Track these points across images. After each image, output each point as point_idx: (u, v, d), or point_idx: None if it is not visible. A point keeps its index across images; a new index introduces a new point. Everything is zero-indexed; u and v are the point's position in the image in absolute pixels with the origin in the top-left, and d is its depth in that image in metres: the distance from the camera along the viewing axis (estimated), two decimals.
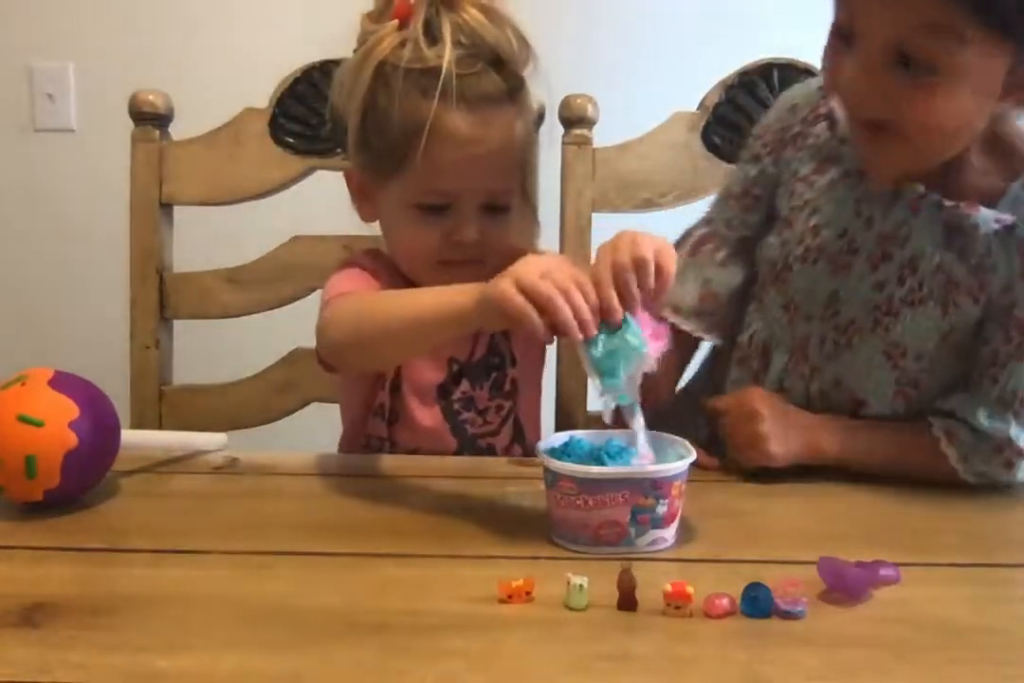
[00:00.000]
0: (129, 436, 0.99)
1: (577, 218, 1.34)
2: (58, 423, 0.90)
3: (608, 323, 0.84)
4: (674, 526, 0.87)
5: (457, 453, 1.13)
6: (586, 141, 1.34)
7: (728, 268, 1.18)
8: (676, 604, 0.75)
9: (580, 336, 0.83)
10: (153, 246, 1.35)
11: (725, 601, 0.75)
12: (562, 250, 1.33)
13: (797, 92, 1.18)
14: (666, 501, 0.85)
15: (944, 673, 0.70)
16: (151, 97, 1.33)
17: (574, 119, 1.33)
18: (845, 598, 0.78)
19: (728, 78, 1.35)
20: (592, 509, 0.84)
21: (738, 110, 1.34)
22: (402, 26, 1.01)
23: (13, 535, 0.89)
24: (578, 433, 0.93)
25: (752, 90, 1.34)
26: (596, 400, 1.34)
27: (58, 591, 0.78)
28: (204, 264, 1.37)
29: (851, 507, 0.98)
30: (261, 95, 1.35)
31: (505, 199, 1.06)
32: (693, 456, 0.87)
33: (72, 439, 0.90)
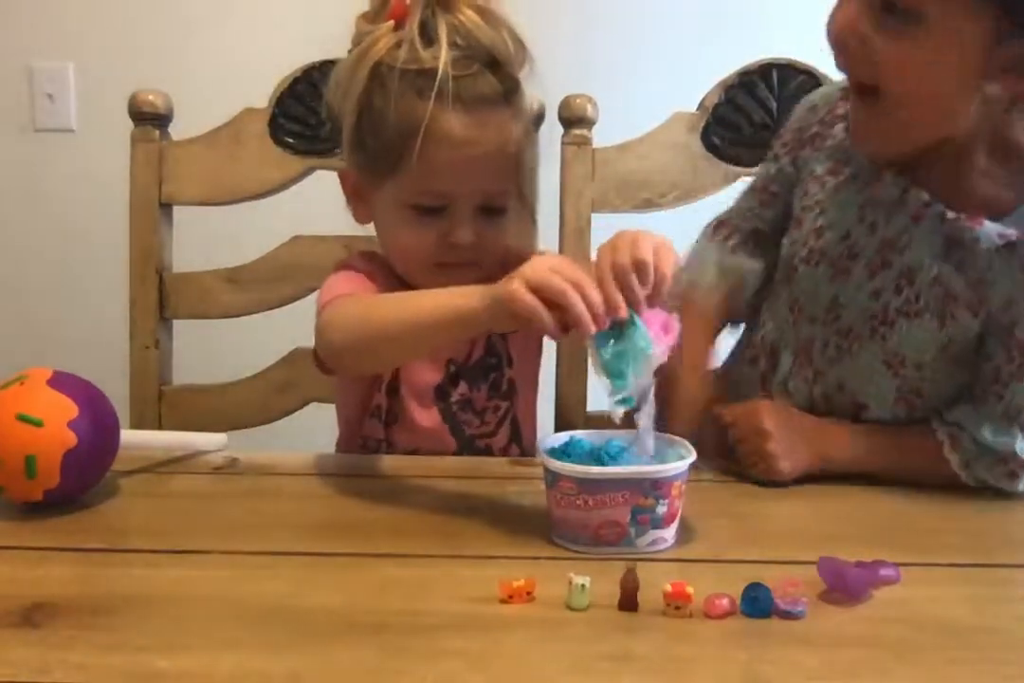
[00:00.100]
0: (129, 436, 0.99)
1: (577, 218, 1.34)
2: (57, 422, 0.90)
3: (616, 322, 0.84)
4: (674, 526, 0.87)
5: (456, 454, 1.13)
6: (586, 141, 1.33)
7: (736, 255, 1.18)
8: (676, 604, 0.75)
9: (593, 329, 0.82)
10: (153, 246, 1.35)
11: (725, 601, 0.75)
12: (562, 250, 1.33)
13: (818, 93, 1.19)
14: (666, 501, 0.85)
15: (944, 673, 0.70)
16: (151, 97, 1.33)
17: (574, 119, 1.33)
18: (845, 598, 0.78)
19: (728, 78, 1.35)
20: (592, 509, 0.84)
21: (738, 110, 1.34)
22: (398, 27, 1.00)
23: (13, 535, 0.89)
24: (578, 433, 0.93)
25: (752, 90, 1.34)
26: (596, 400, 1.35)
27: (58, 591, 0.78)
28: (204, 264, 1.37)
29: (851, 507, 0.98)
30: (261, 95, 1.35)
31: (501, 201, 1.06)
32: (693, 456, 0.87)
33: (71, 438, 0.90)
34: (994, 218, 1.00)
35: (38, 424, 0.89)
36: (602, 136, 1.34)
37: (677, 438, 0.91)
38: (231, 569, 0.83)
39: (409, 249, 1.06)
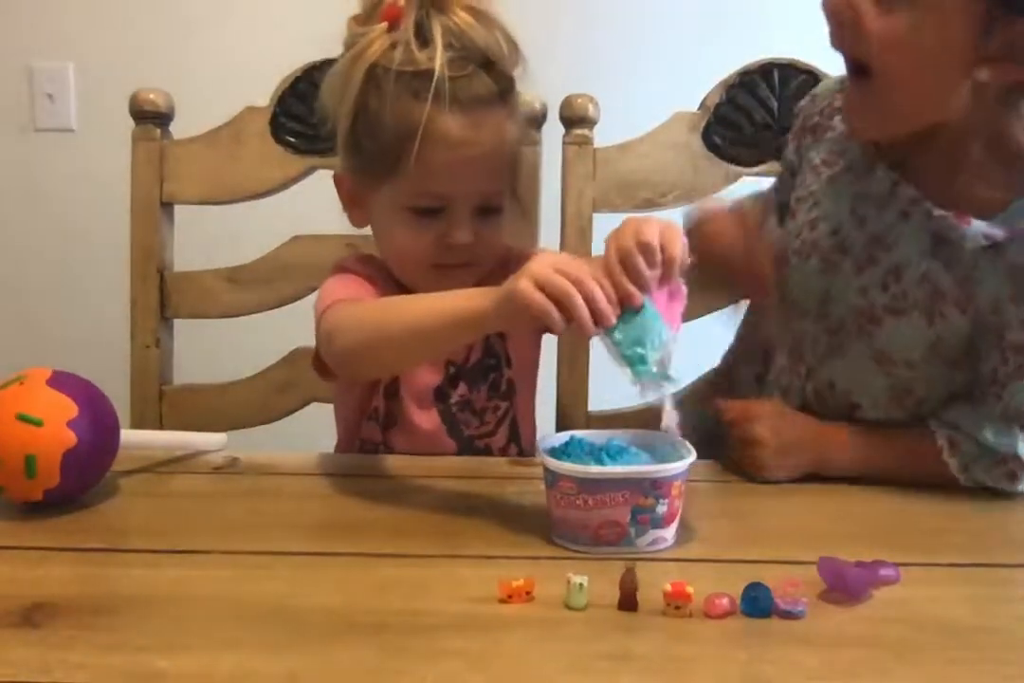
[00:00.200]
0: (129, 436, 0.99)
1: (577, 218, 1.34)
2: (57, 422, 0.90)
3: (628, 309, 0.84)
4: (674, 526, 0.87)
5: (455, 455, 1.13)
6: (586, 141, 1.33)
7: (768, 221, 1.18)
8: (676, 604, 0.75)
9: (591, 329, 0.82)
10: (153, 245, 1.35)
11: (725, 601, 0.75)
12: (562, 250, 1.33)
13: (820, 85, 1.20)
14: (666, 501, 0.85)
15: (944, 673, 0.70)
16: (152, 96, 1.33)
17: (575, 119, 1.33)
18: (845, 598, 0.78)
19: (728, 78, 1.35)
20: (592, 509, 0.84)
21: (739, 110, 1.34)
22: (391, 29, 1.00)
23: (13, 535, 0.89)
24: (578, 433, 0.93)
25: (752, 90, 1.34)
26: (596, 400, 1.35)
27: (58, 591, 0.78)
28: (204, 264, 1.37)
29: (851, 507, 0.98)
30: (261, 94, 1.35)
31: (497, 201, 1.06)
32: (693, 456, 0.87)
33: (71, 438, 0.90)
34: (982, 217, 0.99)
35: (38, 424, 0.89)
36: (603, 136, 1.34)
37: (677, 438, 0.91)
38: (231, 569, 0.83)
39: (407, 251, 1.06)
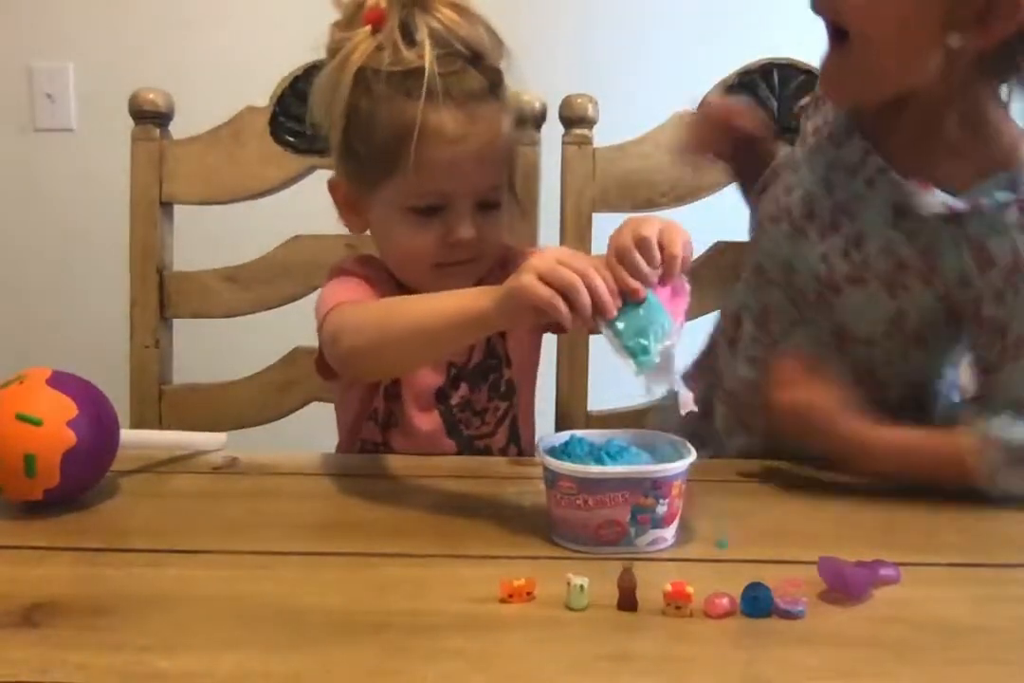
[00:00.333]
0: (129, 435, 0.99)
1: (577, 218, 1.34)
2: (56, 422, 0.90)
3: (630, 301, 0.84)
4: (674, 526, 0.87)
5: (455, 455, 1.13)
6: (586, 141, 1.33)
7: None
8: (676, 604, 0.75)
9: (590, 319, 0.83)
10: (153, 245, 1.35)
11: (725, 601, 0.75)
12: None
13: None
14: (666, 501, 0.85)
15: (944, 673, 0.70)
16: (152, 95, 1.33)
17: (575, 119, 1.33)
18: (845, 598, 0.78)
19: (728, 78, 1.35)
20: (592, 509, 0.84)
21: None
22: (374, 31, 1.00)
23: (13, 535, 0.89)
24: (578, 433, 0.93)
25: (752, 90, 1.34)
26: (596, 400, 1.35)
27: (58, 591, 0.78)
28: (204, 264, 1.37)
29: (851, 507, 0.98)
30: (261, 94, 1.35)
31: (496, 196, 1.06)
32: (693, 456, 0.87)
33: (71, 438, 0.90)
34: (948, 192, 0.99)
35: (37, 423, 0.89)
36: (603, 136, 1.34)
37: (677, 438, 0.91)
38: (231, 569, 0.83)
39: (411, 252, 1.05)
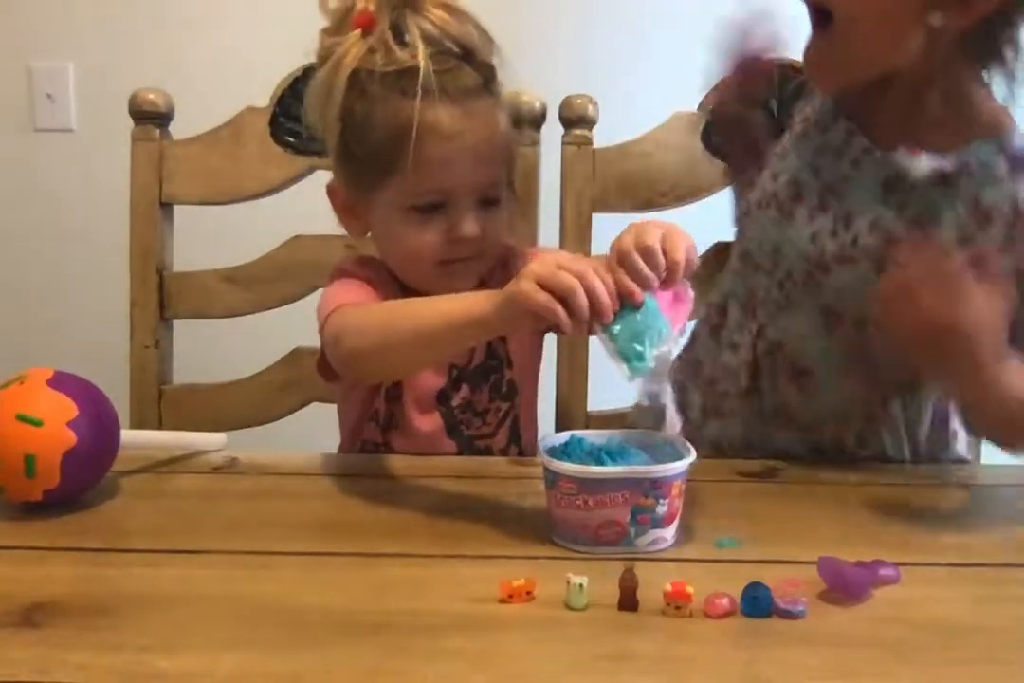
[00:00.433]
0: (129, 436, 0.99)
1: (577, 218, 1.34)
2: (57, 422, 0.90)
3: (629, 304, 0.84)
4: (674, 526, 0.87)
5: (455, 455, 1.13)
6: (586, 141, 1.33)
7: None
8: (676, 604, 0.75)
9: (586, 321, 0.83)
10: (153, 246, 1.35)
11: (725, 601, 0.75)
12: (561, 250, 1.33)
13: None
14: (666, 501, 0.85)
15: (944, 673, 0.70)
16: (151, 96, 1.33)
17: (575, 119, 1.33)
18: (845, 598, 0.78)
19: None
20: (592, 509, 0.84)
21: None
22: (365, 35, 1.00)
23: (13, 535, 0.89)
24: (578, 433, 0.93)
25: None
26: (596, 400, 1.35)
27: (58, 591, 0.79)
28: (204, 264, 1.37)
29: (851, 507, 0.98)
30: (261, 94, 1.35)
31: (496, 191, 1.06)
32: (693, 456, 0.87)
33: (71, 438, 0.90)
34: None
35: (38, 424, 0.89)
36: (603, 136, 1.34)
37: (677, 438, 0.91)
38: (231, 569, 0.83)
39: (414, 251, 1.05)
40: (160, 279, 1.35)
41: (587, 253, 1.31)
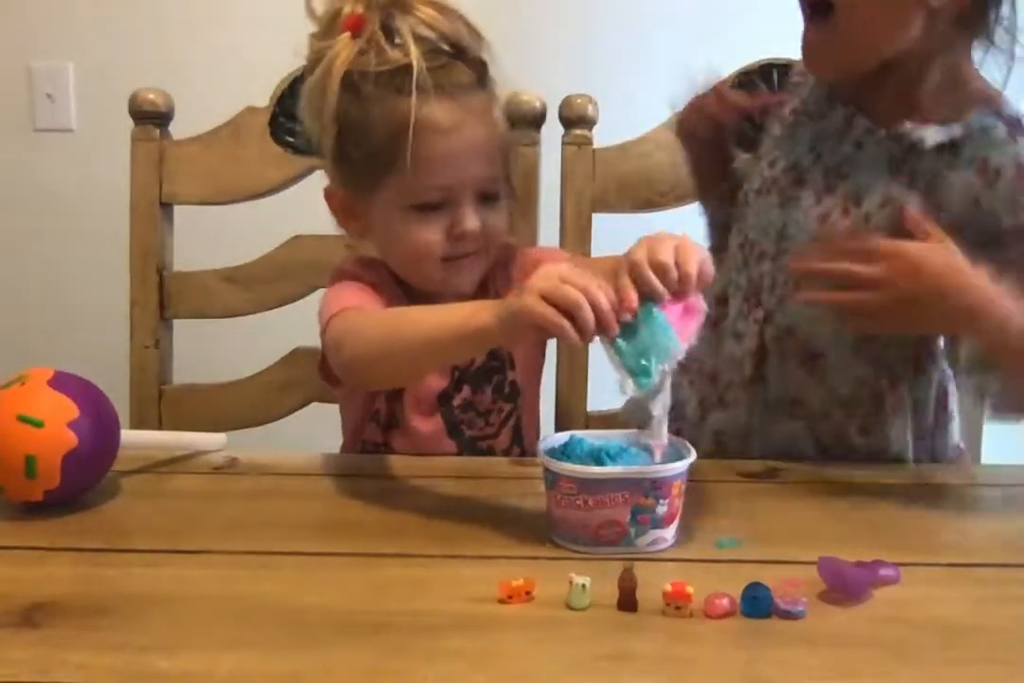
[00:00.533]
0: (129, 436, 0.99)
1: (577, 218, 1.34)
2: (58, 423, 0.90)
3: (637, 319, 0.84)
4: (674, 526, 0.87)
5: (456, 456, 1.13)
6: (586, 141, 1.33)
7: None
8: (676, 604, 0.75)
9: (590, 336, 0.82)
10: (153, 246, 1.35)
11: (725, 601, 0.75)
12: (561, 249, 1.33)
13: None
14: (666, 501, 0.85)
15: (944, 673, 0.70)
16: (151, 96, 1.33)
17: (574, 119, 1.33)
18: (845, 598, 0.78)
19: (728, 78, 1.34)
20: (592, 509, 0.84)
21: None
22: (355, 37, 1.00)
23: (13, 535, 0.89)
24: (578, 433, 0.93)
25: (752, 90, 1.34)
26: (596, 400, 1.35)
27: (58, 591, 0.79)
28: (204, 264, 1.37)
29: (851, 507, 0.98)
30: (261, 94, 1.35)
31: (495, 186, 1.06)
32: (693, 456, 0.87)
33: (72, 439, 0.90)
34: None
35: (39, 425, 0.89)
36: (603, 136, 1.34)
37: (677, 438, 0.91)
38: (231, 569, 0.83)
39: (416, 249, 1.05)
40: (160, 279, 1.35)
41: (587, 253, 1.32)
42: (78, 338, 2.08)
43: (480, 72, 1.05)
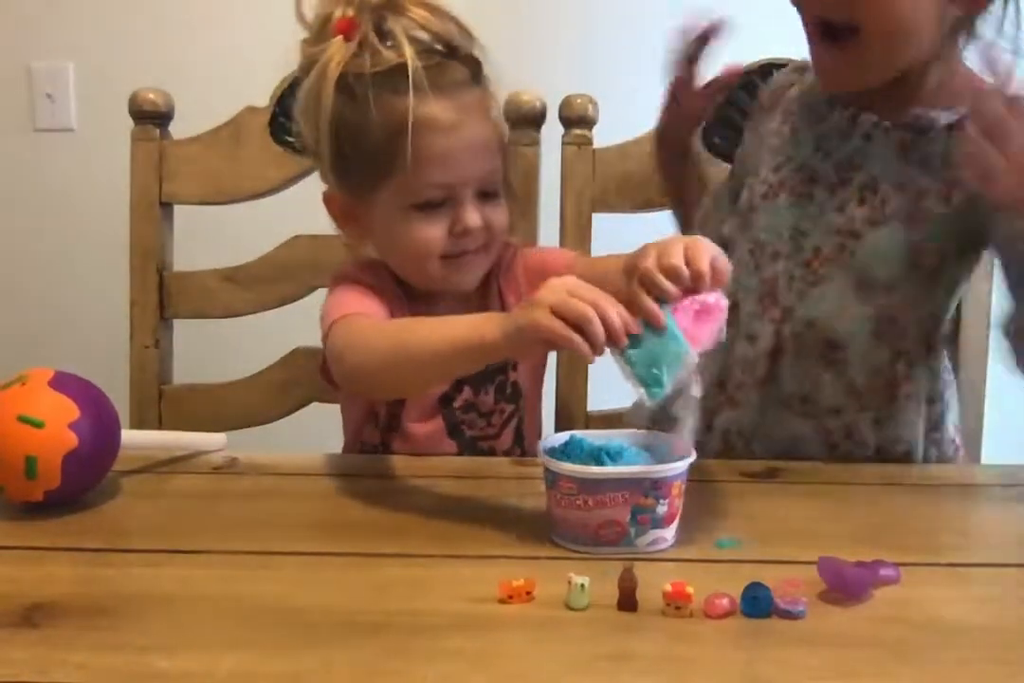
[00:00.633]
0: (129, 436, 0.99)
1: (577, 218, 1.34)
2: (58, 424, 0.90)
3: (647, 328, 0.83)
4: (674, 526, 0.87)
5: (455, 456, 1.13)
6: (586, 141, 1.34)
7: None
8: (676, 604, 0.75)
9: (601, 349, 0.82)
10: (153, 245, 1.35)
11: (725, 601, 0.75)
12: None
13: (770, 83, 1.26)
14: (666, 501, 0.85)
15: (944, 673, 0.70)
16: (151, 95, 1.34)
17: (574, 119, 1.33)
18: (845, 598, 0.78)
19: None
20: (592, 509, 0.84)
21: (738, 110, 1.34)
22: (347, 40, 1.00)
23: (13, 535, 0.89)
24: (578, 433, 0.93)
25: (752, 90, 1.34)
26: (596, 400, 1.35)
27: (58, 591, 0.79)
28: (204, 264, 1.37)
29: (851, 507, 0.98)
30: (261, 94, 1.35)
31: (494, 183, 1.06)
32: (693, 456, 0.87)
33: (72, 440, 0.90)
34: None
35: (39, 425, 0.89)
36: (603, 136, 1.34)
37: (677, 438, 0.91)
38: (231, 569, 0.83)
39: (419, 248, 1.05)
40: (160, 279, 1.35)
41: (587, 253, 1.31)
42: (78, 338, 2.08)
43: (474, 69, 1.05)
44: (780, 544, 0.89)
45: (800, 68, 1.21)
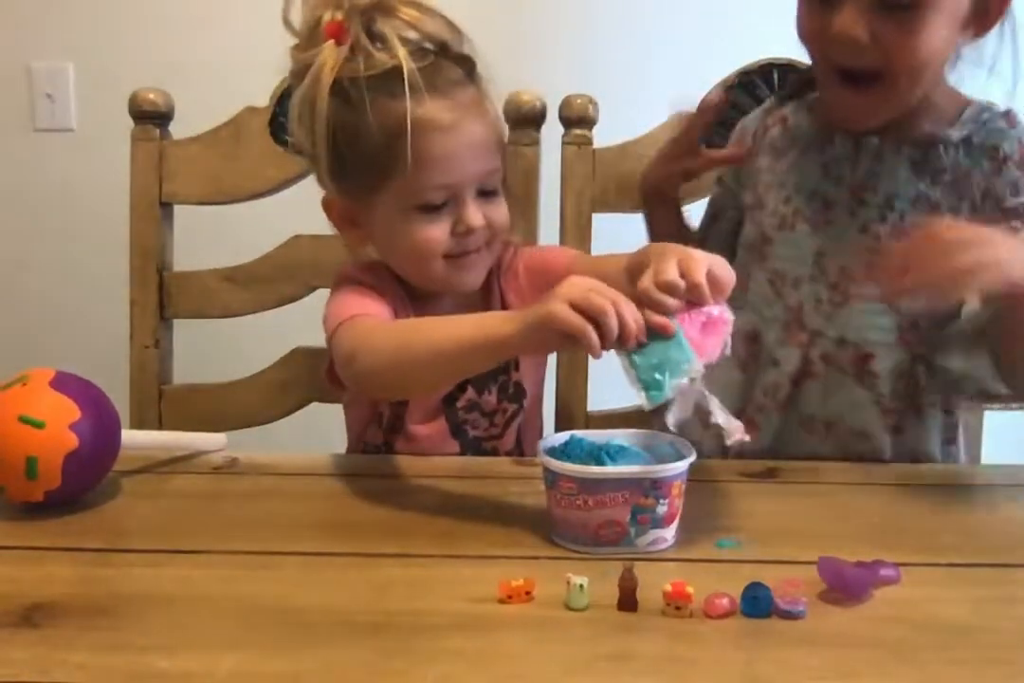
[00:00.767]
0: (129, 436, 0.99)
1: (577, 218, 1.34)
2: (59, 425, 0.90)
3: (656, 335, 0.84)
4: (674, 526, 0.87)
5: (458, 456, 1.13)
6: (586, 141, 1.33)
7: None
8: (676, 604, 0.75)
9: (611, 344, 0.83)
10: (153, 245, 1.35)
11: (725, 601, 0.75)
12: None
13: (747, 119, 1.26)
14: (666, 501, 0.85)
15: (944, 673, 0.70)
16: (151, 95, 1.33)
17: (574, 119, 1.33)
18: (845, 598, 0.78)
19: (728, 78, 1.35)
20: (592, 509, 0.84)
21: (738, 110, 1.34)
22: (339, 44, 1.00)
23: (13, 535, 0.89)
24: (578, 433, 0.93)
25: (752, 90, 1.34)
26: (596, 400, 1.35)
27: (58, 591, 0.79)
28: (204, 264, 1.37)
29: (851, 507, 0.98)
30: (261, 94, 1.35)
31: (494, 181, 1.06)
32: (693, 456, 0.87)
33: (73, 441, 0.90)
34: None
35: (40, 426, 0.89)
36: (603, 136, 1.34)
37: (677, 438, 0.91)
38: (231, 569, 0.83)
39: (421, 248, 1.04)
40: (160, 279, 1.35)
41: (587, 253, 1.31)
42: (78, 338, 2.08)
43: (468, 67, 1.05)
44: (780, 544, 0.89)
45: (767, 110, 1.22)
